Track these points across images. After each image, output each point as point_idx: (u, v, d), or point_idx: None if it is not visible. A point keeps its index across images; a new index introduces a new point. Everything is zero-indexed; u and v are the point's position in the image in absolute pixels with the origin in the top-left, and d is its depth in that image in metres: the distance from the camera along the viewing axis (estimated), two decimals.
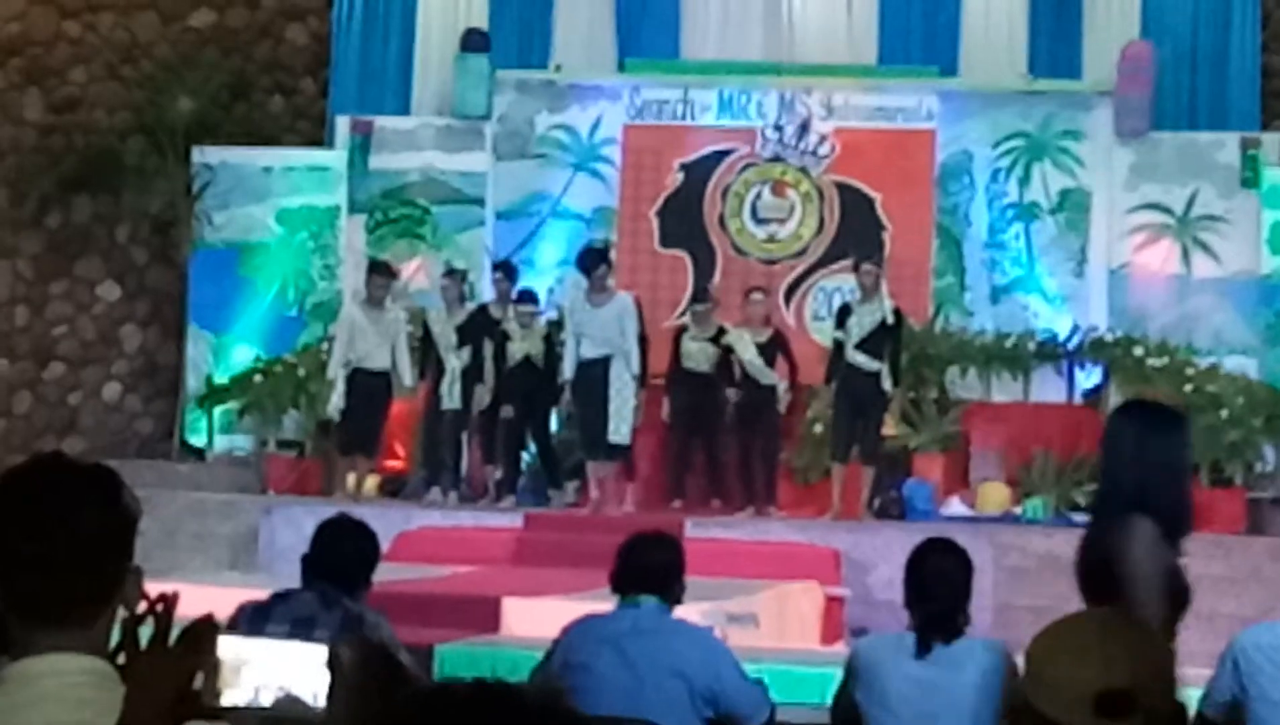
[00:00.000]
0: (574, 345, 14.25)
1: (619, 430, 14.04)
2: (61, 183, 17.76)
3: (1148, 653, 2.66)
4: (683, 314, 15.82)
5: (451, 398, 15.00)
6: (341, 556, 6.35)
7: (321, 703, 2.39)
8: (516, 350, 14.83)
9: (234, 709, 2.40)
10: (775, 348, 14.90)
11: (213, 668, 2.38)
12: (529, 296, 15.18)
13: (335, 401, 14.89)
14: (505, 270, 15.55)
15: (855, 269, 14.83)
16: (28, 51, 18.03)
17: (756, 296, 15.27)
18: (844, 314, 14.52)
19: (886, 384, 14.25)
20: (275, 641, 2.49)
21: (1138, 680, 2.61)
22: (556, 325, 15.19)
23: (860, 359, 14.24)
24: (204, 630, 2.41)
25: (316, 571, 6.34)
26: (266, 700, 2.40)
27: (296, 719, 2.38)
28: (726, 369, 14.89)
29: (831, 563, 12.89)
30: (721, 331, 15.03)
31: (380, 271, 15.28)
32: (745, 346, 14.85)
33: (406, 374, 14.96)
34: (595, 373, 14.07)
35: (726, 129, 17.27)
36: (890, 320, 14.31)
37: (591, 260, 14.52)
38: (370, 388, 14.83)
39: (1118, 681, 2.59)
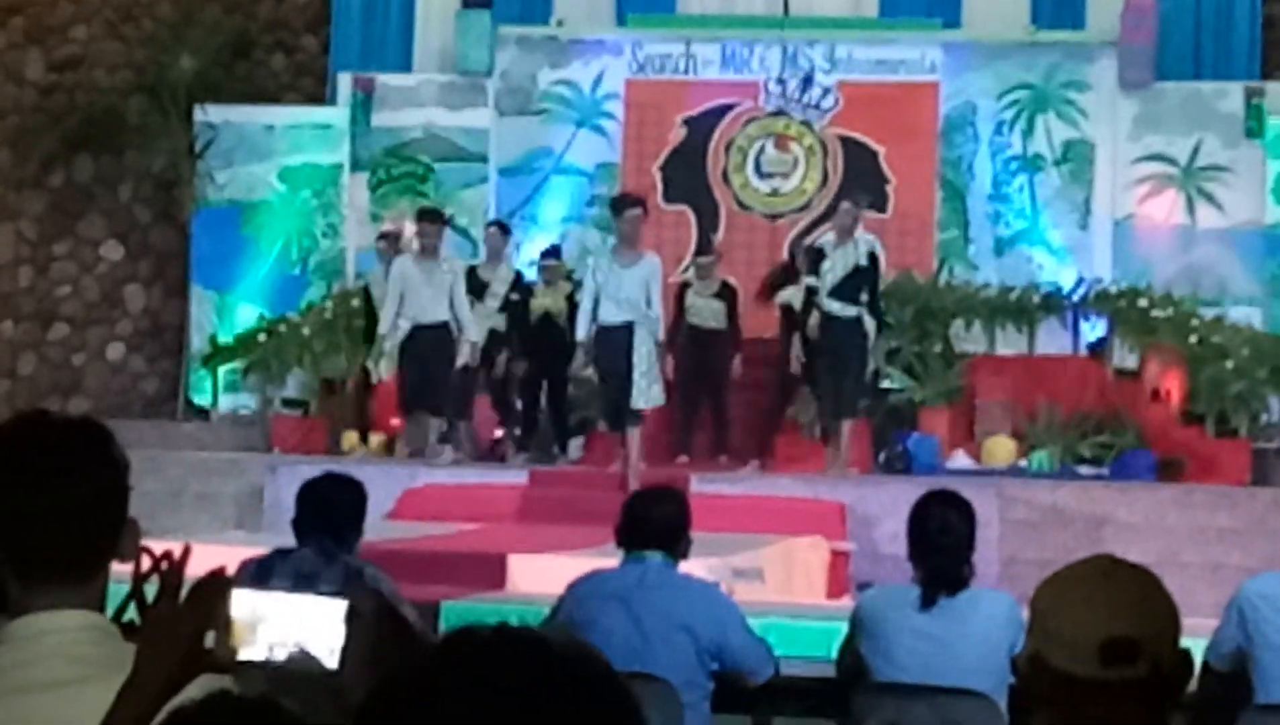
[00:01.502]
0: (591, 306, 13.28)
1: (644, 396, 13.37)
2: (63, 142, 17.75)
3: (1153, 601, 2.67)
4: (686, 269, 15.76)
5: None
6: (331, 512, 6.36)
7: (335, 659, 2.39)
8: (537, 306, 14.73)
9: (248, 664, 2.40)
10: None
11: (225, 623, 2.38)
12: (553, 252, 15.06)
13: (387, 363, 14.28)
14: (500, 227, 15.46)
15: (833, 210, 14.53)
16: (29, 10, 17.98)
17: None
18: (818, 258, 13.81)
19: (869, 327, 13.64)
20: (290, 595, 2.47)
21: (1143, 629, 2.61)
22: (579, 284, 14.57)
23: (835, 307, 13.55)
24: (215, 585, 2.40)
25: (307, 531, 6.36)
26: (281, 656, 2.40)
27: (310, 675, 2.38)
28: (794, 324, 14.19)
29: (837, 517, 12.86)
30: (726, 286, 14.95)
31: (430, 218, 14.45)
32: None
33: (469, 326, 14.11)
34: (619, 339, 13.14)
35: (729, 83, 17.21)
36: (864, 263, 13.59)
37: (626, 201, 13.64)
38: (431, 342, 13.99)
39: (1123, 630, 2.60)
